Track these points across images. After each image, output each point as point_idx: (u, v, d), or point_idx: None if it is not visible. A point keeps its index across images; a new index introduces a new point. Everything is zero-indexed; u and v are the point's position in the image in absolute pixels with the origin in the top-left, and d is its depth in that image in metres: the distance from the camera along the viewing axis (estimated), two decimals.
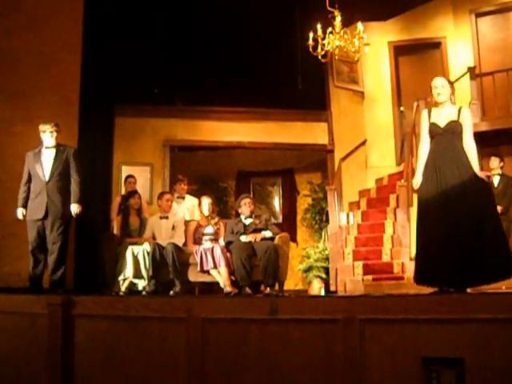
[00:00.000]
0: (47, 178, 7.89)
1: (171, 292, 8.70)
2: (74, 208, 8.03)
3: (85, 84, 10.61)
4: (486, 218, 6.22)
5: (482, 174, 6.44)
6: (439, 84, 6.66)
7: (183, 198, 10.62)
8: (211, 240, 9.14)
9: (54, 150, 8.03)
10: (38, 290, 7.61)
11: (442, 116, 6.57)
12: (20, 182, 8.14)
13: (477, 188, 6.30)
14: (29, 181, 7.97)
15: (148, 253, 8.84)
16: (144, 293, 8.76)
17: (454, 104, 6.73)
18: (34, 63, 9.93)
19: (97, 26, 10.91)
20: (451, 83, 6.75)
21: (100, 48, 10.99)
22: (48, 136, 8.00)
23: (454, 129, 6.47)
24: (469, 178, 6.32)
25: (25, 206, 7.91)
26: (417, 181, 6.75)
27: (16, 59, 9.80)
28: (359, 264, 10.32)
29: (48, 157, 7.99)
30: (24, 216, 7.90)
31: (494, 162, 11.01)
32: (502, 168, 11.05)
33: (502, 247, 6.17)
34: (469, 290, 6.02)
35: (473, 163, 6.37)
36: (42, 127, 8.03)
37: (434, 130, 6.56)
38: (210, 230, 9.29)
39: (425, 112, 6.74)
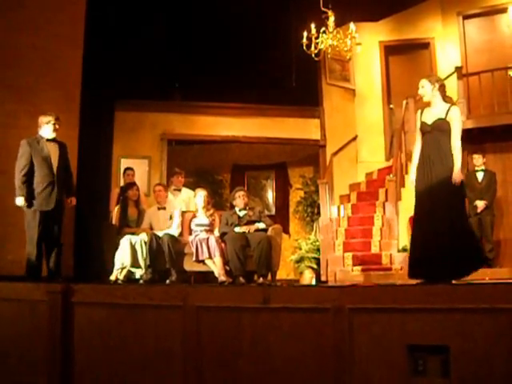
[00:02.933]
0: (55, 171, 7.89)
1: (167, 281, 8.81)
2: (74, 201, 8.30)
3: (86, 79, 10.65)
4: (456, 218, 6.43)
5: (457, 178, 6.48)
6: (419, 85, 6.78)
7: (180, 190, 10.72)
8: (206, 231, 9.18)
9: (56, 144, 8.02)
10: (38, 278, 7.66)
11: (431, 114, 6.67)
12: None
13: (450, 188, 6.44)
14: (29, 170, 7.80)
15: (145, 243, 8.93)
16: (141, 281, 8.82)
17: (448, 101, 6.77)
18: (37, 58, 9.94)
19: (98, 23, 10.95)
20: (439, 81, 6.78)
21: (101, 44, 11.04)
22: (50, 128, 7.95)
23: (441, 126, 6.56)
24: (445, 178, 6.46)
25: (24, 195, 7.72)
26: (410, 179, 6.98)
27: (20, 54, 9.81)
28: (349, 255, 10.50)
29: (54, 149, 7.98)
30: (25, 205, 7.74)
31: (479, 160, 11.30)
32: (484, 164, 11.37)
33: (470, 242, 6.43)
34: (453, 281, 6.15)
35: (455, 163, 6.48)
36: (44, 118, 7.96)
37: (423, 128, 6.69)
38: (204, 221, 9.36)
39: (418, 112, 6.87)
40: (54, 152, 7.98)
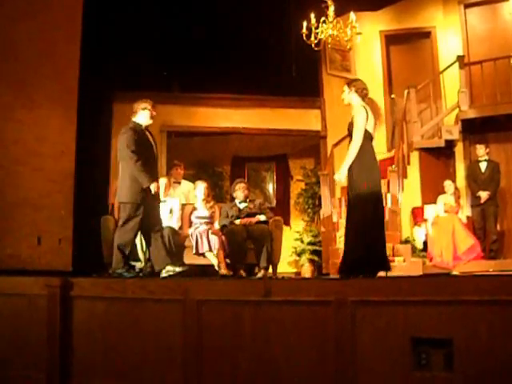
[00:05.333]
0: (157, 162, 7.56)
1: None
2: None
3: (84, 71, 10.53)
4: (352, 220, 6.73)
5: (338, 178, 6.77)
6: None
7: (179, 182, 10.56)
8: (206, 223, 9.19)
9: (149, 132, 7.62)
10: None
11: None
12: (20, 166, 8.21)
13: (354, 193, 6.67)
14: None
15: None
16: (141, 275, 8.58)
17: (361, 100, 6.91)
18: (34, 50, 9.76)
19: (96, 14, 10.84)
20: (355, 86, 6.96)
21: (99, 35, 10.97)
22: (147, 115, 7.48)
23: (349, 129, 6.82)
24: (349, 182, 6.73)
25: (154, 178, 7.29)
26: None
27: (17, 46, 9.60)
28: None
29: (151, 137, 7.59)
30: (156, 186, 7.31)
31: (480, 150, 11.29)
32: (488, 154, 11.32)
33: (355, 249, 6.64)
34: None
35: (343, 164, 6.70)
36: (141, 105, 7.50)
37: None
38: (204, 213, 9.37)
39: None
40: (152, 141, 7.60)
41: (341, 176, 6.62)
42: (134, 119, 7.51)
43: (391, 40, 14.03)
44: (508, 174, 11.86)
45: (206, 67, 12.60)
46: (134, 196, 7.27)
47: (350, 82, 7.08)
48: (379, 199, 6.77)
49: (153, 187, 7.21)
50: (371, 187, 6.61)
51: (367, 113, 6.74)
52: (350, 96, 6.93)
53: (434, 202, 11.16)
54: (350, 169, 6.69)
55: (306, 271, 12.62)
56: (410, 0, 13.61)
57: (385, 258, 6.81)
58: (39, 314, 6.25)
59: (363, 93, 6.93)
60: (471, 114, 11.89)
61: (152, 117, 7.54)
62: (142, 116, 7.49)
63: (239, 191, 9.44)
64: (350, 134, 6.83)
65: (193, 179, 10.81)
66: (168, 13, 12.74)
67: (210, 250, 8.71)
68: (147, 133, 7.54)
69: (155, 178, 7.39)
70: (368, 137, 6.75)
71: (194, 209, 9.45)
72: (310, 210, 14.03)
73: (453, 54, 12.64)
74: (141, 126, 7.48)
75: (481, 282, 4.87)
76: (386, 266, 6.72)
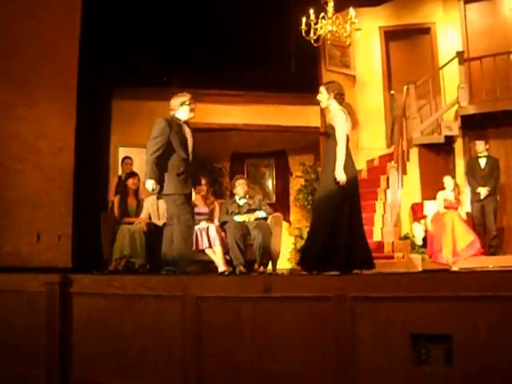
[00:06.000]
0: (190, 157, 7.42)
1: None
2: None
3: (83, 68, 10.47)
4: (328, 220, 6.81)
5: (339, 178, 6.74)
6: (319, 90, 7.26)
7: None
8: (206, 220, 9.17)
9: (189, 127, 7.52)
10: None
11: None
12: (20, 163, 8.16)
13: (328, 191, 6.81)
14: (163, 151, 7.15)
15: (144, 232, 8.96)
16: (140, 271, 8.76)
17: (339, 105, 7.07)
18: (34, 48, 9.70)
19: (95, 12, 10.80)
20: (335, 90, 7.14)
21: (98, 33, 10.96)
22: (187, 109, 7.40)
23: (327, 131, 6.99)
24: (325, 180, 6.90)
25: (155, 179, 7.07)
26: None
27: (18, 45, 9.57)
28: None
29: (189, 133, 7.45)
30: (156, 188, 7.11)
31: (480, 146, 11.28)
32: (487, 150, 11.32)
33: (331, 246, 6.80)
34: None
35: (336, 164, 6.71)
36: (178, 99, 7.42)
37: None
38: (204, 210, 9.36)
39: None
40: (189, 136, 7.48)
41: (340, 176, 6.65)
42: (173, 114, 7.41)
43: (391, 36, 14.02)
44: (507, 170, 11.85)
45: (206, 63, 12.55)
46: (178, 188, 7.25)
47: (328, 87, 7.23)
48: (355, 196, 6.93)
49: (148, 184, 7.07)
50: (347, 185, 6.74)
51: (346, 115, 6.91)
52: (329, 102, 7.11)
53: (434, 198, 11.16)
54: (329, 167, 6.84)
55: None
56: None
57: (366, 255, 7.06)
58: (39, 310, 6.26)
59: (341, 98, 7.14)
60: (471, 109, 11.89)
61: (192, 110, 7.42)
62: (182, 112, 7.43)
63: (239, 187, 9.41)
64: (327, 136, 7.03)
65: None
66: (168, 9, 12.71)
67: (210, 246, 8.69)
68: (185, 128, 7.44)
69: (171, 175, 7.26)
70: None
71: (194, 205, 9.40)
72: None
73: (452, 50, 12.61)
74: (179, 120, 7.37)
75: (480, 278, 4.88)
76: (365, 264, 6.97)
